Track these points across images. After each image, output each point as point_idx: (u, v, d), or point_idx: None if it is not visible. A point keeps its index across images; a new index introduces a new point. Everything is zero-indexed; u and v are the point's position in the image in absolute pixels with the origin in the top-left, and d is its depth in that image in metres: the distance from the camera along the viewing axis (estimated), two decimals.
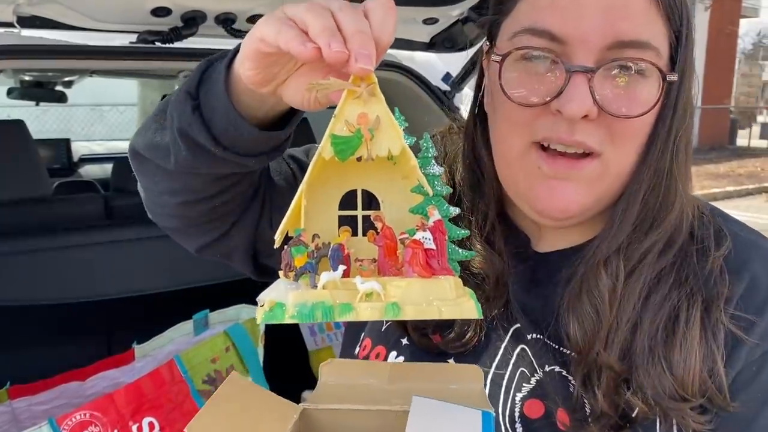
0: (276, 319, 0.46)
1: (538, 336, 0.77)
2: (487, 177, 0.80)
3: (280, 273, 0.52)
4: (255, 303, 1.57)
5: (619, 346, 0.71)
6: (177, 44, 1.56)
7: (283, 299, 0.47)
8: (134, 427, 1.16)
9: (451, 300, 0.48)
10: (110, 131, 8.16)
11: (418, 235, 0.50)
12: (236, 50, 0.66)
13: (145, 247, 1.88)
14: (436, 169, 0.56)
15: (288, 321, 0.46)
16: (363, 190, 0.58)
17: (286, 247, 0.51)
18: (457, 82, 1.90)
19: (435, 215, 0.52)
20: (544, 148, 0.71)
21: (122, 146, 4.82)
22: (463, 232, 0.58)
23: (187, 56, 1.73)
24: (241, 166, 0.72)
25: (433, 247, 0.50)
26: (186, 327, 1.41)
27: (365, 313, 0.46)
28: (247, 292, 1.65)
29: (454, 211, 0.56)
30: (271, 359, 1.62)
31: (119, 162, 2.19)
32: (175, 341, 1.39)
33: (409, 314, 0.47)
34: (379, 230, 0.53)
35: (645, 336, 0.71)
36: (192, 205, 0.78)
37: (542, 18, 0.68)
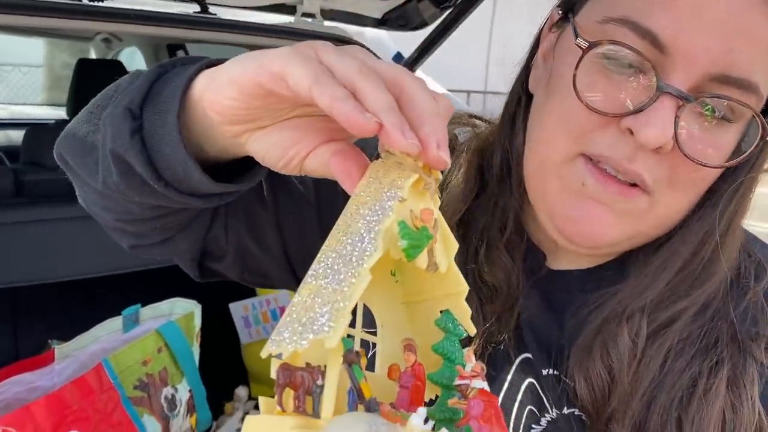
0: None
1: (555, 372, 0.68)
2: (517, 169, 0.69)
3: (285, 399, 0.36)
4: (190, 291, 1.40)
5: (632, 419, 0.62)
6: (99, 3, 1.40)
7: None
8: None
9: None
10: (12, 94, 7.56)
11: (480, 384, 0.39)
12: (199, 68, 0.53)
13: (62, 228, 1.69)
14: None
15: None
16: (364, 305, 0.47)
17: (312, 366, 0.36)
18: (410, 64, 1.81)
19: (472, 361, 0.41)
20: (593, 163, 0.60)
21: (28, 111, 4.45)
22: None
23: (110, 16, 1.55)
24: (185, 204, 0.59)
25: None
26: (114, 324, 1.26)
27: None
28: (182, 280, 1.51)
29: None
30: (202, 351, 1.50)
31: (31, 132, 1.96)
32: (101, 340, 1.24)
33: None
34: (409, 365, 0.41)
35: (661, 411, 0.62)
36: (127, 222, 0.66)
37: (651, 13, 0.56)
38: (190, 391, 1.29)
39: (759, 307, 0.66)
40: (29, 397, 1.09)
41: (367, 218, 0.41)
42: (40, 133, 1.92)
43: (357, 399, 0.37)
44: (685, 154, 0.57)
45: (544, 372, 0.68)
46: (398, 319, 0.48)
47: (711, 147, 0.58)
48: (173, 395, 1.22)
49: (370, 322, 0.49)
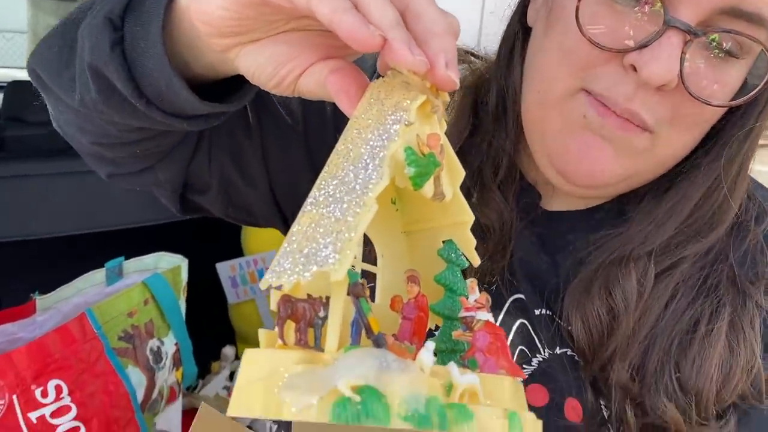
0: (374, 417, 0.29)
1: (548, 312, 0.67)
2: (513, 107, 0.67)
3: (287, 332, 0.35)
4: (175, 249, 1.39)
5: (630, 362, 0.61)
6: None
7: (373, 381, 0.30)
8: (38, 392, 1.00)
9: (526, 409, 0.36)
10: None
11: (486, 316, 0.38)
12: None
13: (44, 184, 1.66)
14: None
15: (398, 424, 0.29)
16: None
17: (313, 297, 0.34)
18: None
19: (475, 292, 0.40)
20: (594, 98, 0.58)
21: (11, 74, 4.37)
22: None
23: None
24: (169, 126, 0.55)
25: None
26: (97, 276, 1.24)
27: (488, 422, 0.31)
28: (168, 238, 1.49)
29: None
30: (188, 312, 1.49)
31: (12, 88, 1.92)
32: (83, 292, 1.22)
33: (529, 430, 0.34)
34: (412, 296, 0.39)
35: (660, 353, 0.61)
36: (105, 146, 0.62)
37: None
38: (176, 344, 1.28)
39: (759, 249, 0.65)
40: (10, 348, 1.07)
41: (371, 143, 0.39)
42: (21, 89, 1.87)
43: (361, 331, 0.36)
44: (689, 92, 0.55)
45: (537, 312, 0.67)
46: (398, 248, 0.46)
47: (716, 84, 0.56)
48: (159, 348, 1.21)
49: (367, 252, 0.47)
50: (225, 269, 1.95)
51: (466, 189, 0.68)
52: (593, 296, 0.62)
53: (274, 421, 1.50)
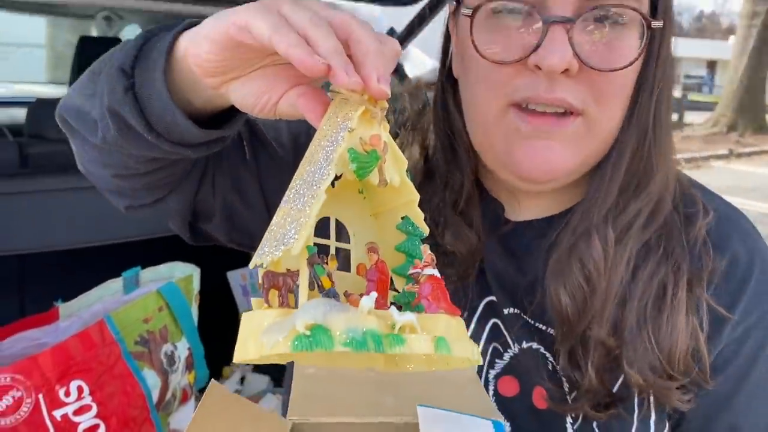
0: (321, 345, 0.39)
1: (516, 311, 0.74)
2: (462, 146, 0.76)
3: (271, 297, 0.44)
4: (189, 260, 1.47)
5: (609, 320, 0.68)
6: None
7: (321, 321, 0.40)
8: (61, 392, 1.09)
9: (466, 339, 0.46)
10: (16, 73, 7.57)
11: (431, 271, 0.47)
12: (182, 29, 0.59)
13: (66, 198, 1.75)
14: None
15: (339, 348, 0.39)
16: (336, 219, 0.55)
17: (291, 271, 0.44)
18: (402, 39, 1.85)
19: (428, 254, 0.49)
20: (522, 109, 0.67)
21: (30, 89, 4.48)
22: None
23: None
24: (176, 155, 0.65)
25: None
26: (115, 285, 1.33)
27: (417, 345, 0.42)
28: (181, 248, 1.57)
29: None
30: (201, 319, 1.56)
31: (35, 106, 2.02)
32: (103, 300, 1.30)
33: (457, 351, 0.43)
34: (373, 263, 0.49)
35: (634, 311, 0.69)
36: (124, 177, 0.72)
37: None
38: (189, 349, 1.35)
39: (701, 242, 0.72)
40: (36, 352, 1.15)
41: (326, 149, 0.48)
42: (43, 107, 1.97)
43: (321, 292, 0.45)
44: (591, 66, 0.64)
45: (506, 311, 0.74)
46: (368, 228, 0.56)
47: (615, 52, 0.65)
48: (173, 352, 1.29)
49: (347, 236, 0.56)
50: (236, 278, 2.03)
51: (431, 219, 0.75)
52: (571, 270, 0.69)
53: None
